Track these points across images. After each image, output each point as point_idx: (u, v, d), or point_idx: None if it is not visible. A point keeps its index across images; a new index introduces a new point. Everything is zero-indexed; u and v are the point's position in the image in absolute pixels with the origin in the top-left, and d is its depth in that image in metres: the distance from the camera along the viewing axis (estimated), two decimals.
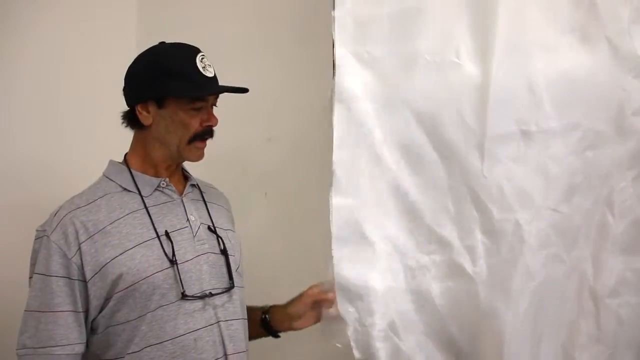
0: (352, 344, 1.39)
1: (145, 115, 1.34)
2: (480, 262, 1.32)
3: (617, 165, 1.31)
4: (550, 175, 1.28)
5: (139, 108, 1.34)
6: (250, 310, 1.46)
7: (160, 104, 1.33)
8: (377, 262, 1.38)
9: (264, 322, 1.46)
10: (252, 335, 1.45)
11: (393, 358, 1.38)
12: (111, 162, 1.39)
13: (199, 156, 1.38)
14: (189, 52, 1.35)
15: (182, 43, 1.37)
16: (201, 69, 1.33)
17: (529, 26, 1.29)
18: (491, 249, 1.32)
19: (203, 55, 1.36)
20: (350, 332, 1.39)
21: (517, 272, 1.29)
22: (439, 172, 1.35)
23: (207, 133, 1.37)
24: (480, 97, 1.29)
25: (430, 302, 1.37)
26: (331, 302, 1.38)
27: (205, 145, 1.38)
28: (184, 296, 1.27)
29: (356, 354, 1.40)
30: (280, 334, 1.49)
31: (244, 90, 1.41)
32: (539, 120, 1.28)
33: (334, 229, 1.39)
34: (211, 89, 1.35)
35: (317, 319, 1.43)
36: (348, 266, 1.39)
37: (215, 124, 1.37)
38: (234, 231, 1.47)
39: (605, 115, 1.29)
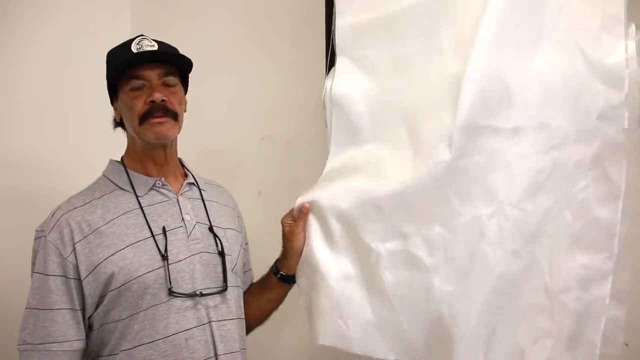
0: (304, 309, 1.44)
1: (117, 114, 1.39)
2: (438, 254, 1.33)
3: (579, 166, 1.33)
4: (515, 172, 1.30)
5: (114, 108, 1.40)
6: (264, 280, 1.51)
7: (116, 98, 1.37)
8: (334, 244, 1.40)
9: (283, 278, 1.46)
10: (280, 299, 1.50)
11: (335, 338, 1.39)
12: (111, 162, 1.41)
13: (156, 133, 1.32)
14: (128, 41, 1.36)
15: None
16: (134, 50, 1.32)
17: (510, 27, 1.31)
18: (450, 242, 1.32)
19: (143, 37, 1.35)
20: (301, 298, 1.45)
21: (475, 266, 1.30)
22: (408, 163, 1.36)
23: (155, 110, 1.31)
24: (455, 91, 1.30)
25: (381, 291, 1.37)
26: (308, 210, 1.40)
27: (161, 121, 1.31)
28: (170, 292, 1.28)
29: (308, 320, 1.44)
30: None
31: (173, 57, 1.37)
32: (509, 117, 1.29)
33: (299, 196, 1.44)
34: (132, 58, 1.31)
35: None
36: (313, 240, 1.42)
37: (159, 99, 1.30)
38: (235, 229, 1.48)
39: (572, 118, 1.31)
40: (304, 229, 1.42)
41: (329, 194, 1.41)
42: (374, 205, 1.37)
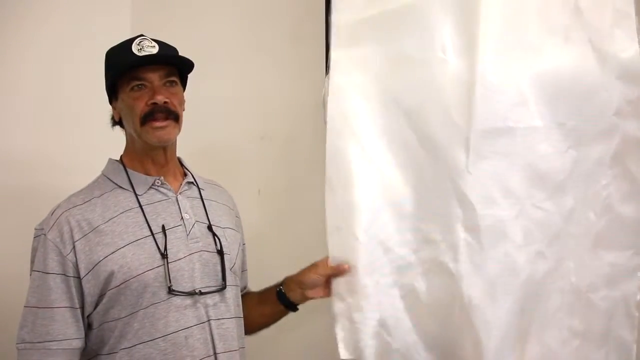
0: (340, 343, 1.36)
1: (116, 113, 1.40)
2: (463, 259, 1.32)
3: (599, 164, 1.32)
4: (534, 172, 1.29)
5: (112, 107, 1.40)
6: (266, 290, 1.49)
7: (116, 97, 1.37)
8: (365, 258, 1.38)
9: (279, 295, 1.45)
10: (272, 317, 1.47)
11: (382, 356, 1.35)
12: (110, 161, 1.41)
13: (159, 137, 1.33)
14: (128, 40, 1.36)
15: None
16: (135, 51, 1.32)
17: (516, 26, 1.30)
18: (474, 246, 1.31)
19: (143, 38, 1.35)
20: (338, 329, 1.37)
21: (501, 269, 1.29)
22: (425, 168, 1.36)
23: (157, 111, 1.32)
24: (466, 93, 1.30)
25: (417, 300, 1.36)
26: (346, 272, 1.35)
27: (163, 125, 1.32)
28: (170, 291, 1.28)
29: (342, 353, 1.36)
30: (298, 307, 1.47)
31: (176, 59, 1.37)
32: (524, 117, 1.29)
33: (327, 226, 1.40)
34: (135, 62, 1.32)
35: (329, 293, 1.38)
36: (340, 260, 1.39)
37: (161, 101, 1.31)
38: (233, 229, 1.47)
39: (588, 115, 1.30)
40: (326, 278, 1.38)
41: (358, 218, 1.38)
42: (402, 214, 1.37)
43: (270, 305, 1.47)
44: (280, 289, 1.45)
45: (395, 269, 1.38)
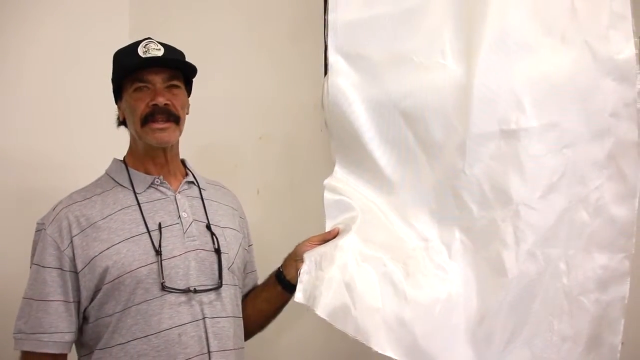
0: (299, 285, 1.32)
1: (120, 113, 1.41)
2: (457, 259, 1.34)
3: (593, 164, 1.32)
4: (529, 173, 1.30)
5: (117, 107, 1.42)
6: (269, 276, 1.49)
7: (120, 98, 1.39)
8: (357, 226, 1.38)
9: (278, 275, 1.45)
10: (273, 301, 1.46)
11: (334, 313, 1.26)
12: (114, 160, 1.43)
13: (158, 138, 1.34)
14: (136, 42, 1.37)
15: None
16: (141, 53, 1.34)
17: (513, 28, 1.32)
18: (468, 246, 1.34)
19: (150, 40, 1.36)
20: (303, 271, 1.33)
21: (491, 269, 1.30)
22: (424, 169, 1.38)
23: (158, 112, 1.33)
24: (463, 97, 1.32)
25: (400, 292, 1.32)
26: (336, 235, 1.39)
27: (163, 127, 1.34)
28: (163, 287, 1.29)
29: (298, 296, 1.31)
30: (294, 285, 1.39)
31: (179, 63, 1.38)
32: (519, 119, 1.30)
33: (326, 222, 1.43)
34: (139, 64, 1.33)
35: None
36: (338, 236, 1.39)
37: (161, 103, 1.33)
38: (234, 229, 1.47)
39: (584, 116, 1.31)
40: (316, 243, 1.40)
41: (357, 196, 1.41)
42: (397, 213, 1.39)
43: (270, 288, 1.47)
44: (280, 268, 1.46)
45: (380, 247, 1.37)
